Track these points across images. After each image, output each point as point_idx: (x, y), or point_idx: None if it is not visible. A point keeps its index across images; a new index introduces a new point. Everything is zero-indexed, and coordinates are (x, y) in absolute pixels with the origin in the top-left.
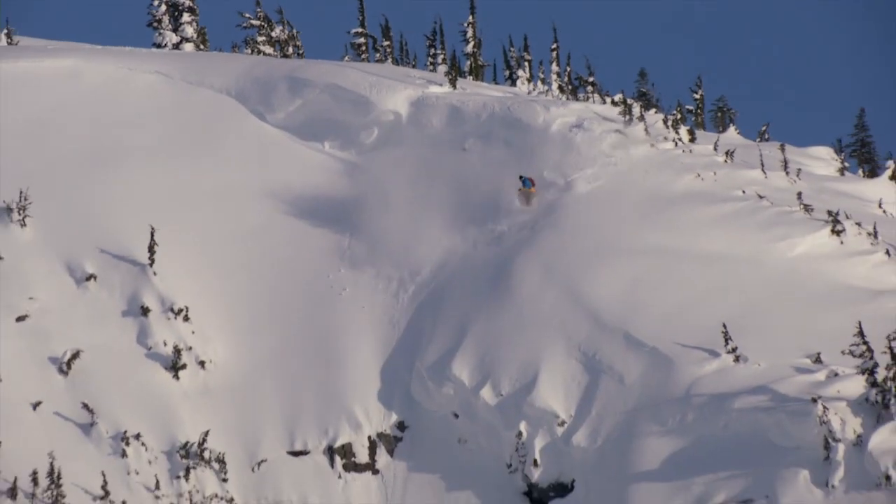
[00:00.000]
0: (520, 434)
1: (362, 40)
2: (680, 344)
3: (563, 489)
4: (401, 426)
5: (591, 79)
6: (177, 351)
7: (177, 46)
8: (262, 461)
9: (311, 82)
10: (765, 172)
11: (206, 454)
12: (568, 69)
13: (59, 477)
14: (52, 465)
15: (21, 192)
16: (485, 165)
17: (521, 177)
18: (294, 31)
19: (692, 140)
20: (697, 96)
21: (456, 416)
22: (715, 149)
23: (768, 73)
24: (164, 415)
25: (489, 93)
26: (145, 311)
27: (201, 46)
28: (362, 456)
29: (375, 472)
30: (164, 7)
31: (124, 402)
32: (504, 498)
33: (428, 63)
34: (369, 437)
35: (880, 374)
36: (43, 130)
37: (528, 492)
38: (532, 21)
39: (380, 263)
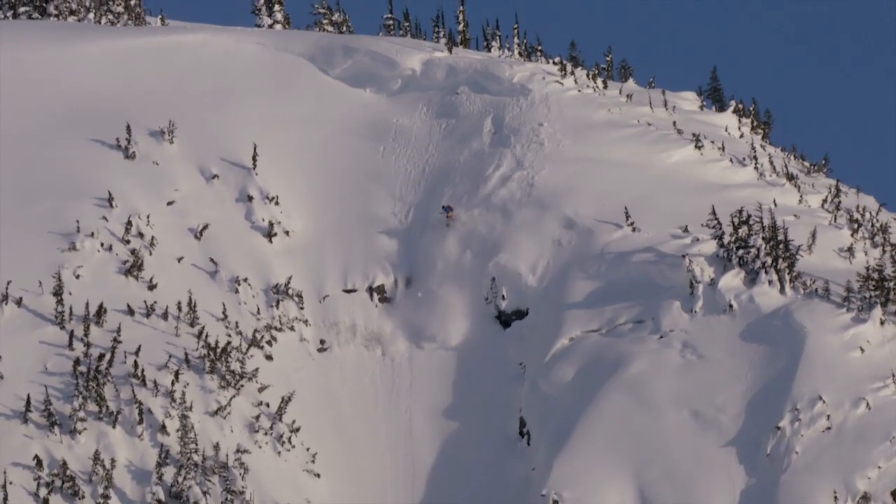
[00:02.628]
0: (493, 279)
1: (391, 22)
2: (597, 220)
3: (521, 314)
4: (414, 274)
5: (539, 48)
6: (270, 224)
7: (270, 26)
8: (326, 296)
9: (357, 49)
10: (652, 108)
11: (290, 291)
12: (525, 41)
13: (194, 306)
14: (190, 298)
15: (170, 121)
16: (471, 103)
17: (442, 206)
18: (346, 15)
19: (605, 87)
20: (608, 59)
21: (449, 265)
22: (620, 93)
23: (655, 39)
24: (262, 266)
25: (474, 56)
26: (250, 198)
27: (286, 26)
28: (390, 292)
29: (397, 303)
30: (262, 0)
31: (237, 258)
32: (482, 320)
33: (434, 37)
34: (394, 280)
35: (726, 239)
36: (183, 79)
37: (497, 316)
38: (503, 6)
39: (401, 163)
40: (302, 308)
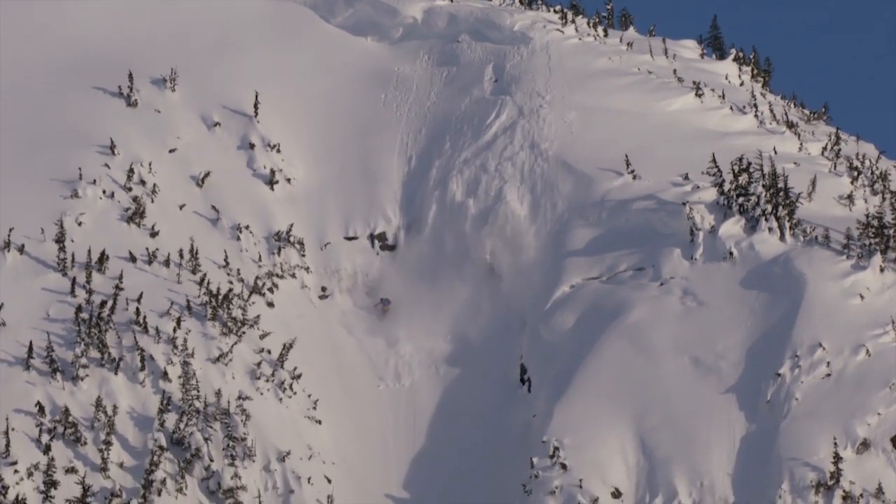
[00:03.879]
0: (495, 226)
1: None
2: (597, 167)
3: (522, 261)
4: (415, 222)
5: None
6: (272, 172)
7: None
8: (327, 243)
9: None
10: (652, 56)
11: (291, 239)
12: None
13: (196, 253)
14: (192, 245)
15: (172, 70)
16: (471, 52)
17: (381, 299)
18: None
19: (606, 35)
20: (609, 7)
21: (451, 213)
22: (620, 41)
23: None
24: (264, 213)
25: (475, 4)
26: (252, 146)
27: None
28: (391, 240)
29: (399, 250)
30: None
31: (238, 205)
32: (484, 267)
33: None
34: (396, 228)
35: (726, 186)
36: (185, 28)
37: (498, 263)
38: None
39: (403, 111)
40: (303, 255)
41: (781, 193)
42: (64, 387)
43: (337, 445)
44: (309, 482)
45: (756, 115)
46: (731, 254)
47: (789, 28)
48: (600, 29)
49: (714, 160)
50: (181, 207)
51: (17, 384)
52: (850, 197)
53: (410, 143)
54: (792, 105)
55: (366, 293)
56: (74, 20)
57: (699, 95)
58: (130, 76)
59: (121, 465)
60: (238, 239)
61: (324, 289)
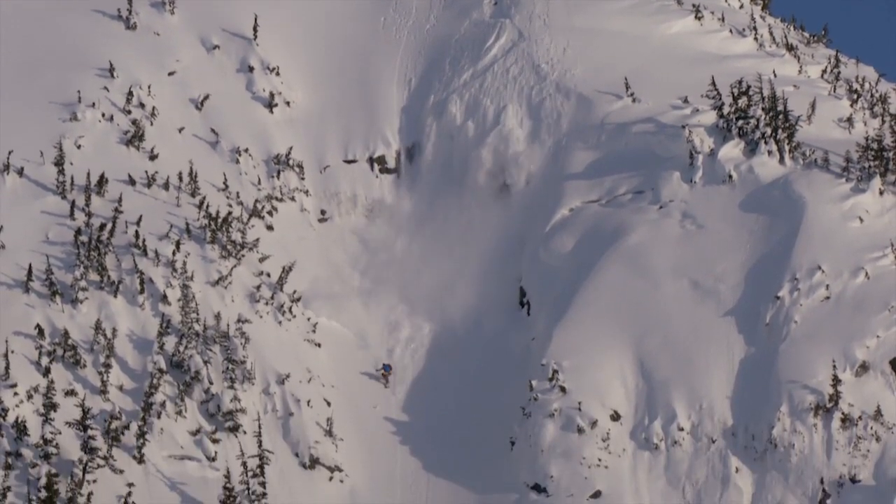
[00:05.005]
0: (494, 149)
1: None
2: (597, 90)
3: (521, 184)
4: (415, 145)
5: None
6: (271, 95)
7: None
8: (326, 166)
9: None
10: None
11: (290, 162)
12: None
13: (195, 176)
14: (191, 168)
15: None
16: None
17: (383, 364)
18: None
19: None
20: None
21: (451, 136)
22: None
23: None
24: (263, 136)
25: None
26: (251, 69)
27: None
28: (391, 163)
29: (398, 174)
30: None
31: (237, 128)
32: (483, 190)
33: None
34: (396, 151)
35: (725, 109)
36: None
37: (498, 186)
38: None
39: (402, 34)
40: (303, 178)
41: (781, 116)
42: (63, 309)
43: (337, 368)
44: (308, 405)
45: (755, 38)
46: (730, 177)
47: None
48: None
49: (713, 83)
50: (180, 130)
51: (16, 307)
52: (849, 120)
53: (410, 66)
54: (791, 28)
55: (365, 216)
56: None
57: (699, 18)
58: None
59: (120, 388)
60: (237, 162)
61: (323, 212)
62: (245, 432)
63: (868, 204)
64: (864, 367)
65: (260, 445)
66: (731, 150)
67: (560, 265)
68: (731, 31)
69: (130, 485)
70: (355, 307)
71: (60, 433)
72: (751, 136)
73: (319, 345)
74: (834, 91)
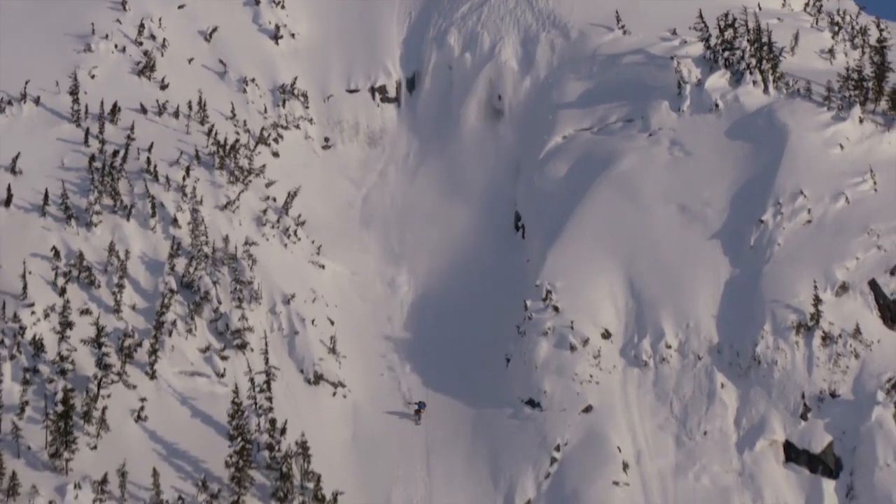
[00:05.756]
0: (490, 80)
1: None
2: (589, 23)
3: (516, 113)
4: (415, 75)
5: None
6: (277, 27)
7: None
8: (329, 96)
9: None
10: None
11: (295, 91)
12: None
13: (204, 104)
14: (200, 97)
15: None
16: None
17: (417, 402)
18: None
19: None
20: None
21: (449, 67)
22: None
23: None
24: (269, 66)
25: None
26: (257, 2)
27: None
28: (392, 93)
29: (399, 103)
30: None
31: (244, 59)
32: (481, 119)
33: None
34: (397, 81)
35: (712, 41)
36: None
37: (495, 114)
38: None
39: None
40: (307, 107)
41: (765, 48)
42: (78, 232)
43: (340, 289)
44: (313, 324)
45: None
46: (716, 105)
47: None
48: None
49: (701, 16)
50: (189, 61)
51: (33, 230)
52: (831, 51)
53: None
54: None
55: (367, 143)
56: None
57: None
58: None
59: (133, 308)
60: (244, 91)
61: (326, 139)
62: (252, 350)
63: (848, 131)
64: (844, 288)
65: (266, 362)
66: (718, 80)
67: (553, 190)
68: None
69: (143, 399)
70: (356, 231)
71: (76, 350)
72: (736, 67)
73: (323, 266)
74: (816, 24)
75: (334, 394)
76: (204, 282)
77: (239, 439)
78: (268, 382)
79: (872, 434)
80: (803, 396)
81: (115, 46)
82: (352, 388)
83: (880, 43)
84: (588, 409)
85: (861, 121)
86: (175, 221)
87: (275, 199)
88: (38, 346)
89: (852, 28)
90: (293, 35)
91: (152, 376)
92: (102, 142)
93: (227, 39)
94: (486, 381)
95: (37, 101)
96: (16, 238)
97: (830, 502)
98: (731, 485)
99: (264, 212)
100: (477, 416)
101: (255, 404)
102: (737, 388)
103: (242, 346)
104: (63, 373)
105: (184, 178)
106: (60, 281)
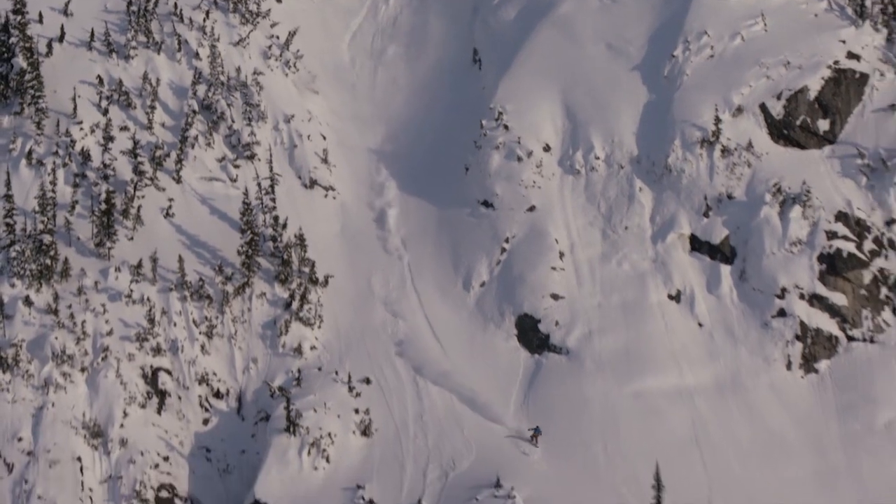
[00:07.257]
0: None
1: None
2: None
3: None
4: None
5: None
6: None
7: None
8: None
9: None
10: None
11: None
12: None
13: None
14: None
15: None
16: None
17: (535, 427)
18: None
19: None
20: None
21: None
22: None
23: None
24: None
25: None
26: None
27: None
28: None
29: None
30: None
31: None
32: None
33: None
34: None
35: None
36: None
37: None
38: None
39: None
40: None
41: None
42: (118, 63)
43: (331, 111)
44: (309, 139)
45: None
46: None
47: None
48: None
49: None
50: None
51: (82, 62)
52: None
53: None
54: None
55: None
56: None
57: None
58: None
59: (163, 125)
60: None
61: None
62: (259, 160)
63: None
64: (740, 110)
65: (271, 170)
66: None
67: (505, 30)
68: None
69: (171, 200)
70: (346, 65)
71: (116, 160)
72: None
73: (317, 92)
74: None
75: (326, 195)
76: (220, 104)
77: (248, 232)
78: (272, 186)
79: (761, 228)
80: (706, 198)
81: None
82: (340, 190)
83: None
84: (532, 209)
85: None
86: (197, 55)
87: (278, 37)
88: (85, 156)
89: None
90: None
91: (178, 181)
92: None
93: None
94: (449, 186)
95: None
96: (68, 68)
97: (727, 283)
98: (647, 270)
99: (269, 48)
100: (441, 215)
101: (262, 204)
102: (652, 192)
103: (251, 157)
104: (106, 178)
105: (204, 20)
106: (104, 103)
